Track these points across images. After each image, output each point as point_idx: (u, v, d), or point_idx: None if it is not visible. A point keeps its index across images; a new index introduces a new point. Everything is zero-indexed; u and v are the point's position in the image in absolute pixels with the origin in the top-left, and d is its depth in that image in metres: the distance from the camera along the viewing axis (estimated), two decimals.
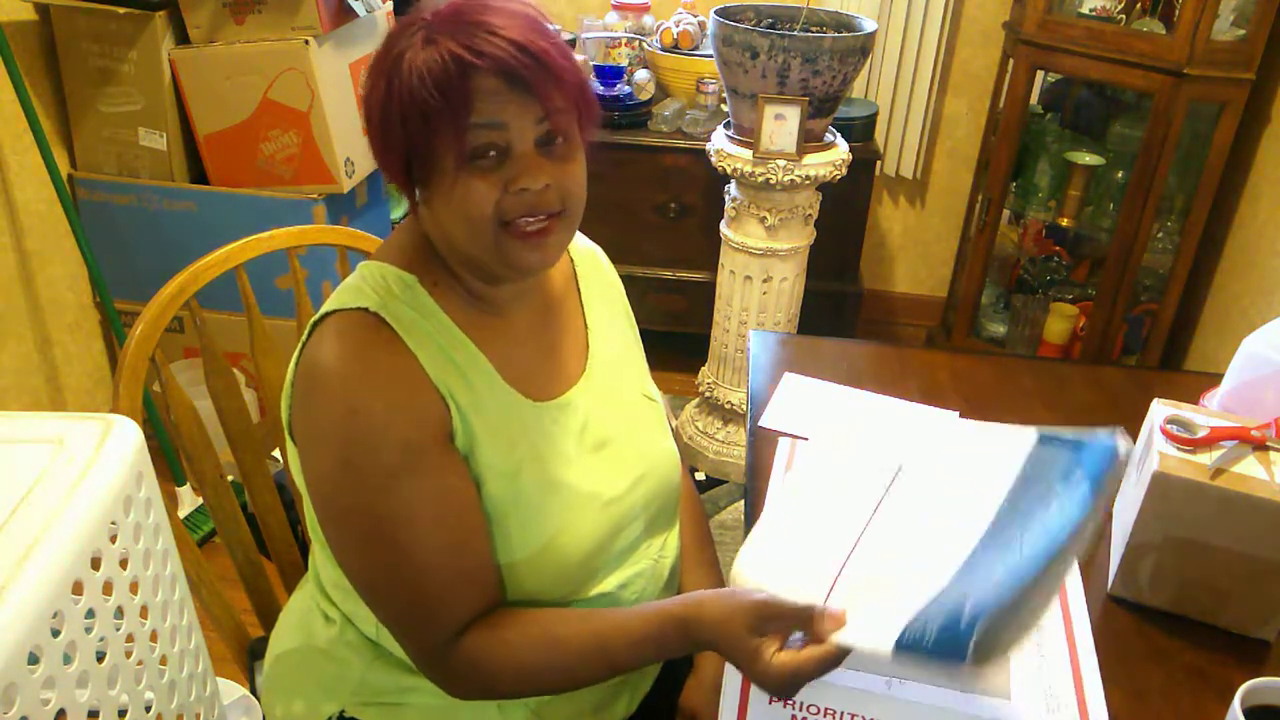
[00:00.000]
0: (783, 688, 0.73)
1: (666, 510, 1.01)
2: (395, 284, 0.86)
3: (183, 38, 1.98)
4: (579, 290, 1.02)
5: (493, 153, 0.80)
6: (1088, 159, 2.42)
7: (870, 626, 0.69)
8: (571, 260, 1.03)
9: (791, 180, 2.02)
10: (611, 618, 0.85)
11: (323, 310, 0.86)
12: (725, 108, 2.28)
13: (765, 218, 2.10)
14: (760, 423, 1.17)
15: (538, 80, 0.79)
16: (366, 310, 0.83)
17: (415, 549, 0.82)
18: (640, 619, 0.83)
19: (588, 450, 0.93)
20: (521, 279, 0.90)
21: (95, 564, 0.75)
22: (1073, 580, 0.87)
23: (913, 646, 0.66)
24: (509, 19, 0.80)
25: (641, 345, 1.08)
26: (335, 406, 0.81)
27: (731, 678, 0.78)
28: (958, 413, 1.21)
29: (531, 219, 0.82)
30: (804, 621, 0.73)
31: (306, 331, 0.86)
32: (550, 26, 0.84)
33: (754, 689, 0.77)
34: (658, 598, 0.98)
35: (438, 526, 0.82)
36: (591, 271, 1.05)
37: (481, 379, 0.87)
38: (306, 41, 1.93)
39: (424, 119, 0.79)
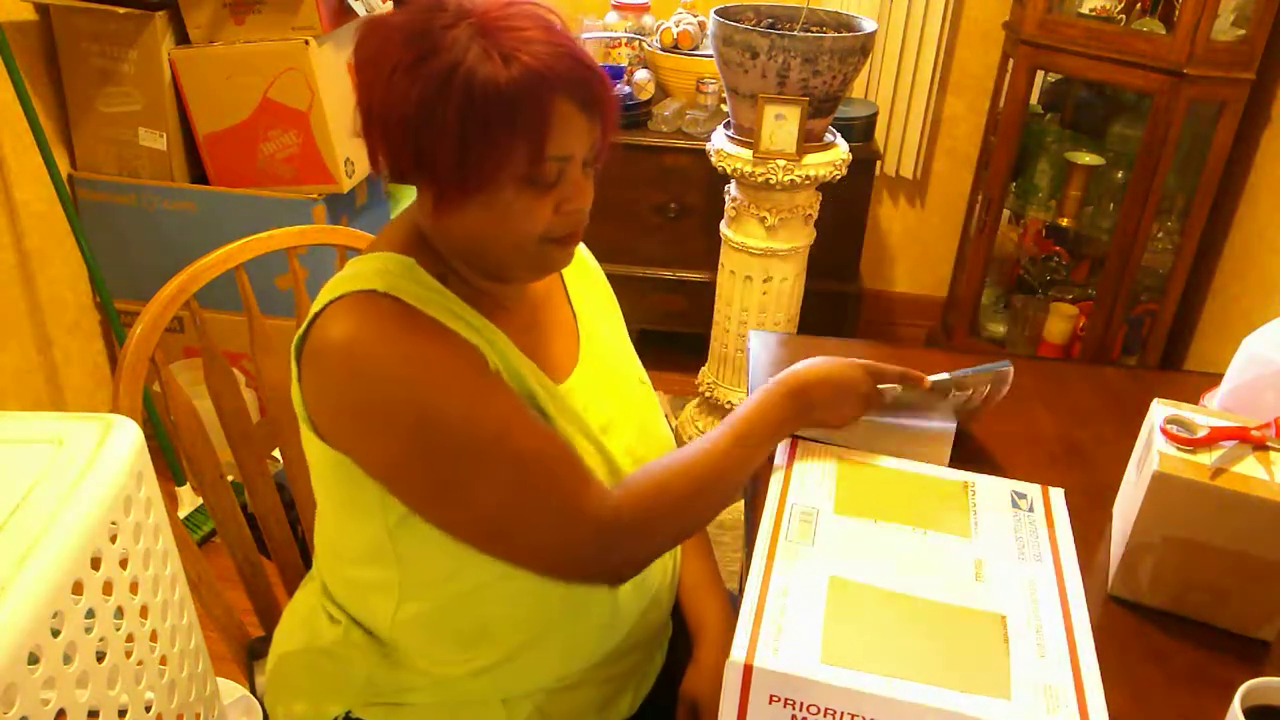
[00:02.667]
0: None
1: None
2: (395, 267, 0.86)
3: (183, 38, 1.98)
4: (564, 283, 1.03)
5: (556, 175, 0.83)
6: (1088, 159, 2.42)
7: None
8: None
9: (791, 180, 2.02)
10: (728, 422, 0.94)
11: (324, 299, 0.84)
12: (725, 108, 2.28)
13: (765, 218, 2.10)
14: None
15: (605, 108, 0.83)
16: (375, 292, 0.82)
17: (530, 455, 0.83)
18: (754, 407, 0.95)
19: (590, 435, 0.94)
20: (537, 280, 0.94)
21: (95, 564, 0.75)
22: (1072, 579, 0.87)
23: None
24: (566, 40, 0.80)
25: (627, 332, 1.10)
26: (391, 370, 0.80)
27: (731, 677, 0.78)
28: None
29: (570, 234, 0.87)
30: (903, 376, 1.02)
31: (306, 322, 0.84)
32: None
33: (754, 687, 0.77)
34: (661, 576, 1.00)
35: (533, 427, 0.84)
36: (574, 263, 1.05)
37: (505, 348, 0.88)
38: (306, 41, 1.93)
39: (498, 133, 0.77)
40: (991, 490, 0.98)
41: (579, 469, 0.86)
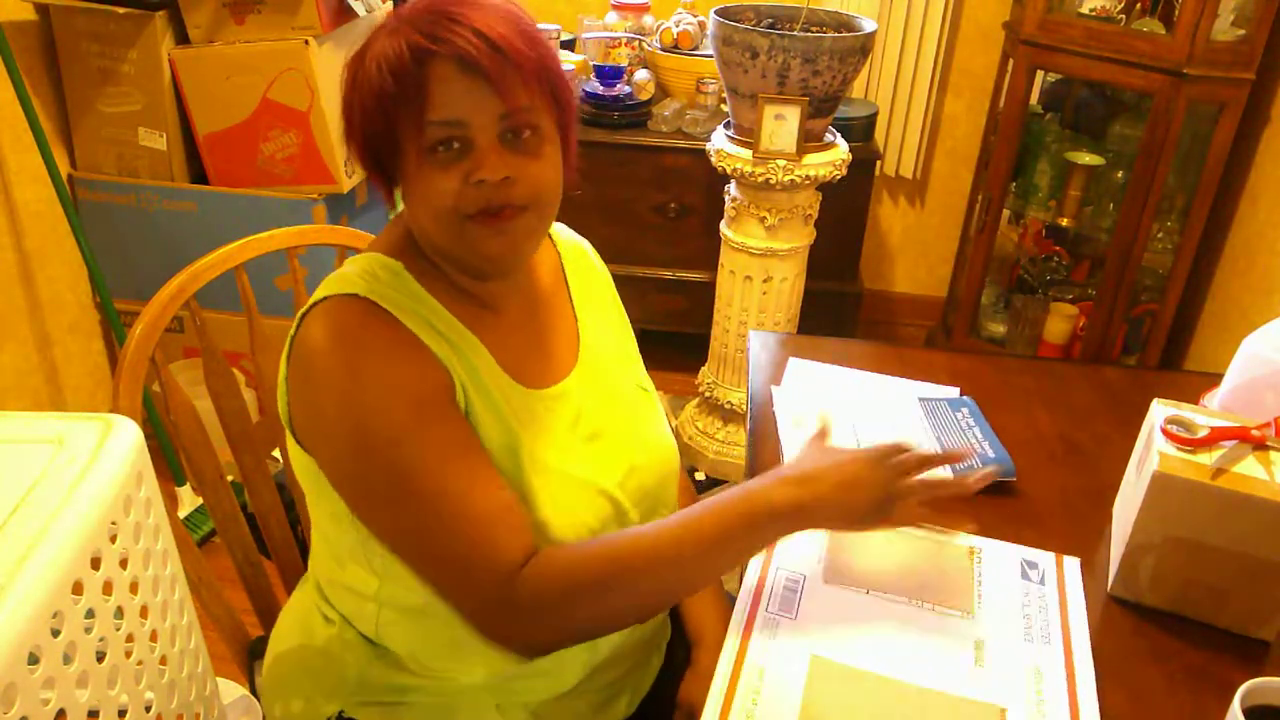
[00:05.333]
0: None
1: (665, 499, 1.01)
2: (382, 272, 0.86)
3: (183, 38, 1.98)
4: (567, 284, 1.02)
5: (456, 144, 0.80)
6: (1088, 159, 2.42)
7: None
8: (559, 254, 1.03)
9: (791, 180, 2.02)
10: (690, 510, 0.83)
11: (311, 300, 0.85)
12: (725, 108, 2.28)
13: (765, 218, 2.10)
14: (774, 407, 1.17)
15: (497, 70, 0.78)
16: (356, 296, 0.83)
17: (443, 497, 0.80)
18: (723, 497, 0.82)
19: (581, 440, 0.93)
20: (498, 272, 0.89)
21: (95, 564, 0.75)
22: (1083, 665, 0.83)
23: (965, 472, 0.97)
24: (477, 10, 0.80)
25: (634, 338, 1.09)
26: (339, 378, 0.80)
27: (720, 673, 0.77)
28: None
29: (491, 209, 0.82)
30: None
31: (295, 324, 0.85)
32: (524, 17, 0.83)
33: (740, 682, 0.76)
34: None
35: (460, 470, 0.81)
36: (579, 265, 1.05)
37: (478, 360, 0.87)
38: (306, 41, 1.93)
39: (381, 109, 0.80)
40: (1000, 558, 0.93)
41: (496, 530, 0.80)
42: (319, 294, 0.85)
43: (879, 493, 0.81)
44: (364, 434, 0.80)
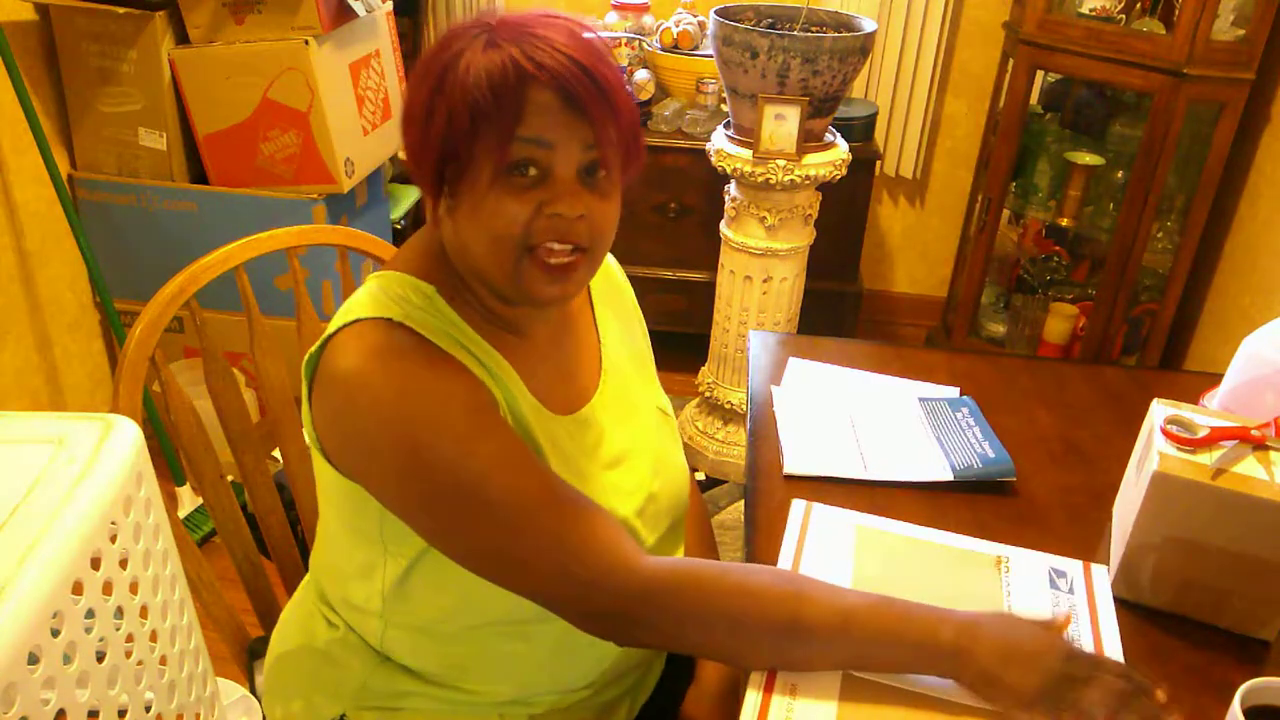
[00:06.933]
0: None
1: (677, 524, 1.00)
2: (414, 295, 0.84)
3: (183, 38, 1.99)
4: (592, 301, 1.00)
5: (533, 170, 0.78)
6: (1088, 159, 2.42)
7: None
8: None
9: (791, 180, 2.02)
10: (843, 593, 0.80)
11: (340, 321, 0.82)
12: (725, 108, 2.28)
13: (765, 218, 2.10)
14: (774, 407, 1.17)
15: (594, 105, 0.78)
16: (390, 321, 0.81)
17: (525, 499, 0.78)
18: (903, 606, 0.78)
19: (603, 466, 0.91)
20: (537, 309, 0.88)
21: (95, 564, 0.75)
22: (1101, 586, 0.83)
23: (965, 471, 1.05)
24: (574, 40, 0.79)
25: (652, 353, 1.07)
26: (386, 402, 0.78)
27: (751, 694, 0.76)
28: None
29: (558, 248, 0.80)
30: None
31: (319, 344, 0.83)
32: (608, 55, 0.82)
33: (774, 703, 0.76)
34: None
35: (538, 469, 0.80)
36: (605, 282, 1.03)
37: (512, 384, 0.86)
38: (306, 41, 1.93)
39: (471, 119, 0.77)
40: (1028, 567, 0.93)
41: (611, 527, 0.81)
42: (348, 315, 0.82)
43: (1040, 681, 0.73)
44: (425, 454, 0.77)
